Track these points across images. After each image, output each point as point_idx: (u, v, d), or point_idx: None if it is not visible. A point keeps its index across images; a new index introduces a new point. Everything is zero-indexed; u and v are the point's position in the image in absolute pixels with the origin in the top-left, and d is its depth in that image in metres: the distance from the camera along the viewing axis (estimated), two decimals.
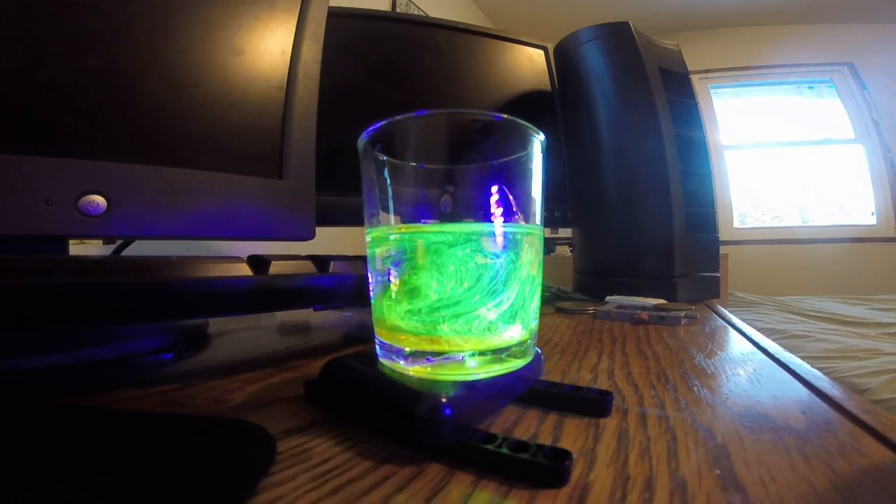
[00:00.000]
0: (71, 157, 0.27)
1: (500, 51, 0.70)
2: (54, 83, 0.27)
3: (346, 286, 0.33)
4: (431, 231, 0.20)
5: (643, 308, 0.50)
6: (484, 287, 0.19)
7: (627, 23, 0.68)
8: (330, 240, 0.58)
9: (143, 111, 0.29)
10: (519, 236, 0.20)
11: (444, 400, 0.16)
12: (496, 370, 0.19)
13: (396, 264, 0.20)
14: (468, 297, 0.19)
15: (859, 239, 2.37)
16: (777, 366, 0.30)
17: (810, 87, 2.59)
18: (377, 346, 0.21)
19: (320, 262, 0.34)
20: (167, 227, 0.29)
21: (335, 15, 0.48)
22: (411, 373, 0.19)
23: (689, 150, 0.66)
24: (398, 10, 1.60)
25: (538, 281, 0.22)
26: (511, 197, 0.20)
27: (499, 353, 0.20)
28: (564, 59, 0.74)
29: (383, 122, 0.20)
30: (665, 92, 0.66)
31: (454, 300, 0.19)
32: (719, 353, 0.34)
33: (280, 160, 0.35)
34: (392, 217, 0.20)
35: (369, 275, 0.22)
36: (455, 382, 0.18)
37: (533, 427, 0.19)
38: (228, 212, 0.31)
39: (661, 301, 0.56)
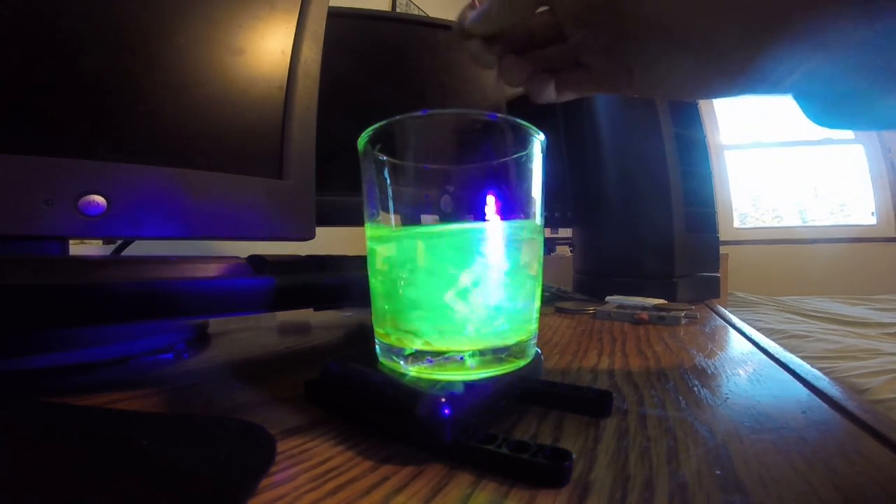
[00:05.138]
0: (71, 157, 0.27)
1: None
2: (54, 83, 0.27)
3: (346, 286, 0.34)
4: (431, 231, 0.20)
5: (643, 308, 0.50)
6: (484, 287, 0.19)
7: None
8: (330, 240, 0.58)
9: (143, 111, 0.30)
10: (519, 236, 0.20)
11: (444, 400, 0.16)
12: (496, 370, 0.19)
13: (396, 264, 0.20)
14: (468, 297, 0.19)
15: (859, 239, 2.37)
16: (777, 366, 0.30)
17: None
18: (377, 346, 0.21)
19: (320, 262, 0.34)
20: (167, 227, 0.29)
21: (335, 15, 0.48)
22: (411, 373, 0.19)
23: (689, 150, 0.66)
24: (398, 10, 1.60)
25: (538, 281, 0.22)
26: (511, 197, 0.20)
27: (499, 353, 0.20)
28: None
29: (383, 122, 0.20)
30: None
31: (454, 300, 0.19)
32: (719, 353, 0.34)
33: (280, 160, 0.35)
34: (392, 217, 0.20)
35: (369, 275, 0.22)
36: (455, 382, 0.18)
37: (533, 427, 0.19)
38: (228, 212, 0.31)
39: (661, 301, 0.56)
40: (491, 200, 0.19)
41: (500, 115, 0.20)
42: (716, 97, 0.25)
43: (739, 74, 0.22)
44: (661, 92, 0.26)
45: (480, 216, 0.19)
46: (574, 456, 0.15)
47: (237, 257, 0.30)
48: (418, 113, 0.19)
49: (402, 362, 0.20)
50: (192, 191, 0.30)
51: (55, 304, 0.22)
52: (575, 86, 0.28)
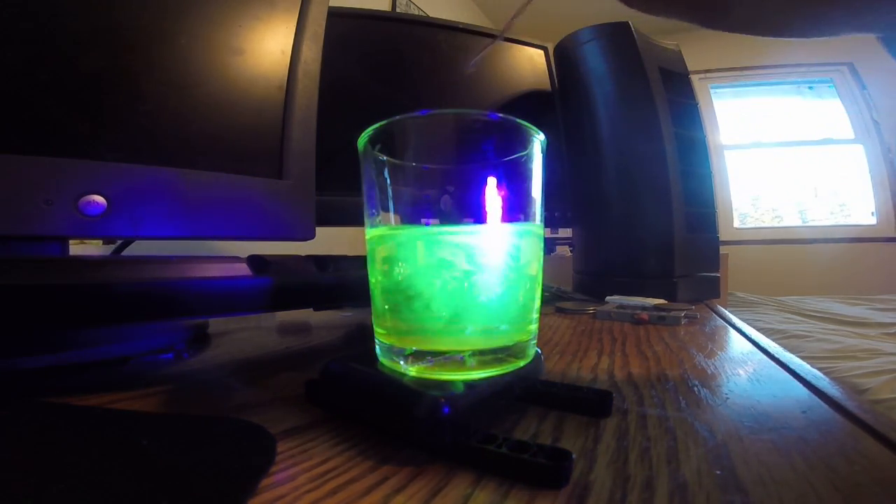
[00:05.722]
0: (71, 157, 0.27)
1: (499, 51, 0.70)
2: (54, 83, 0.27)
3: (346, 286, 0.34)
4: (431, 231, 0.20)
5: (643, 308, 0.50)
6: (484, 287, 0.19)
7: (627, 23, 0.68)
8: (330, 240, 0.58)
9: (143, 111, 0.29)
10: (519, 236, 0.20)
11: (443, 400, 0.16)
12: (496, 370, 0.19)
13: (396, 264, 0.20)
14: (468, 297, 0.19)
15: (859, 239, 2.37)
16: (777, 366, 0.30)
17: (810, 88, 2.58)
18: (377, 346, 0.21)
19: (320, 262, 0.34)
20: (167, 227, 0.29)
21: (335, 15, 0.48)
22: (411, 373, 0.19)
23: (689, 150, 0.66)
24: (398, 10, 1.60)
25: (538, 281, 0.22)
26: (511, 197, 0.20)
27: (499, 353, 0.20)
28: (564, 59, 0.74)
29: (383, 122, 0.20)
30: (665, 92, 0.66)
31: (454, 300, 0.19)
32: (719, 353, 0.34)
33: (280, 160, 0.35)
34: (392, 217, 0.20)
35: (369, 275, 0.22)
36: (455, 382, 0.18)
37: (533, 427, 0.19)
38: (228, 212, 0.31)
39: (661, 301, 0.56)
40: (491, 200, 0.19)
41: (500, 115, 0.20)
42: (809, 35, 0.23)
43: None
44: (757, 28, 0.23)
45: (480, 216, 0.19)
46: (574, 456, 0.15)
47: (237, 257, 0.30)
48: (418, 113, 0.19)
49: (402, 362, 0.20)
50: (192, 191, 0.30)
51: (55, 304, 0.22)
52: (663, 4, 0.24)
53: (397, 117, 0.20)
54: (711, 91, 2.65)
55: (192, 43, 0.31)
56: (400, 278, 0.20)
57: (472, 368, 0.19)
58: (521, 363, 0.21)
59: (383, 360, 0.21)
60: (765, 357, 0.32)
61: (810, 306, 1.58)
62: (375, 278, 0.21)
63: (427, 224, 0.20)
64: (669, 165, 0.63)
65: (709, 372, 0.28)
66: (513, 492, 0.14)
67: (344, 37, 0.58)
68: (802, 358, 0.31)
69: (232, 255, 0.30)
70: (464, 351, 0.19)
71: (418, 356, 0.19)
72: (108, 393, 0.24)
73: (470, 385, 0.18)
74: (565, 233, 0.84)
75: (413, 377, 0.19)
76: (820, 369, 0.28)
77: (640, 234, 0.65)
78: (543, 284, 0.23)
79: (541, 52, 0.74)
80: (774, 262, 2.42)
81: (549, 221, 0.70)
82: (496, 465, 0.15)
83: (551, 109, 0.73)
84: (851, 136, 2.46)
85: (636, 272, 0.65)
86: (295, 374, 0.28)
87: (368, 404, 0.19)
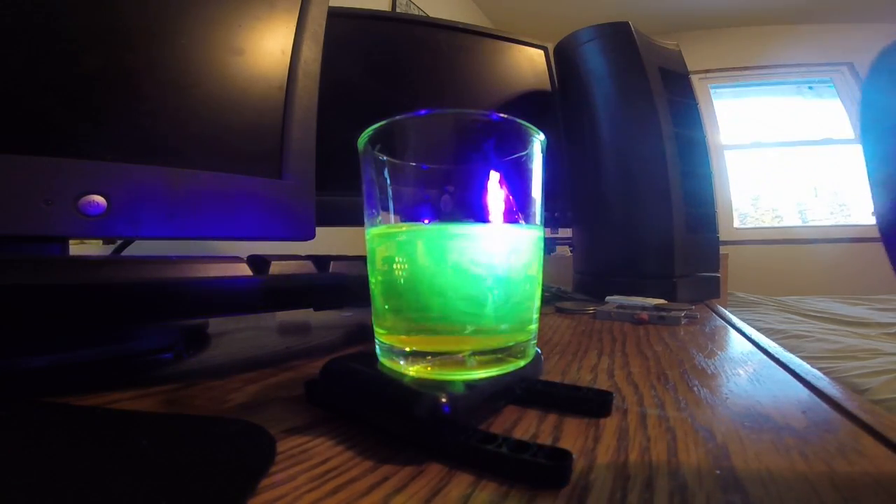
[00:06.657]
0: (71, 157, 0.27)
1: (500, 51, 0.70)
2: (54, 83, 0.27)
3: (346, 286, 0.33)
4: (431, 231, 0.20)
5: (643, 308, 0.50)
6: (484, 287, 0.19)
7: (627, 23, 0.68)
8: (330, 240, 0.58)
9: (143, 111, 0.29)
10: (519, 236, 0.20)
11: (443, 400, 0.16)
12: (496, 370, 0.19)
13: (396, 264, 0.20)
14: (468, 297, 0.19)
15: (859, 239, 2.37)
16: (777, 366, 0.30)
17: (810, 88, 2.58)
18: (377, 346, 0.21)
19: (320, 262, 0.34)
20: (167, 228, 0.29)
21: (335, 15, 0.48)
22: (411, 373, 0.19)
23: (689, 150, 0.66)
24: (398, 10, 1.60)
25: (538, 281, 0.22)
26: (511, 197, 0.20)
27: (499, 353, 0.20)
28: (564, 59, 0.74)
29: (383, 122, 0.20)
30: (665, 92, 0.66)
31: (454, 300, 0.19)
32: (719, 353, 0.34)
33: (280, 160, 0.35)
34: (392, 217, 0.20)
35: (369, 275, 0.22)
36: (455, 382, 0.18)
37: (533, 427, 0.19)
38: (228, 212, 0.31)
39: (661, 301, 0.56)
40: (491, 200, 0.19)
41: (500, 115, 0.20)
42: None
43: None
44: None
45: (480, 216, 0.19)
46: (574, 456, 0.15)
47: (237, 257, 0.30)
48: (418, 113, 0.19)
49: (402, 362, 0.20)
50: (192, 191, 0.30)
51: (55, 304, 0.22)
52: None
53: (397, 117, 0.20)
54: (711, 91, 2.65)
55: (192, 43, 0.31)
56: (400, 278, 0.20)
57: (472, 368, 0.19)
58: (521, 363, 0.21)
59: (383, 360, 0.21)
60: (765, 357, 0.32)
61: (810, 306, 1.58)
62: (375, 278, 0.21)
63: (427, 224, 0.20)
64: (669, 165, 0.63)
65: (709, 372, 0.28)
66: (513, 492, 0.14)
67: (344, 37, 0.58)
68: (802, 358, 0.31)
69: (232, 255, 0.30)
70: (464, 351, 0.19)
71: (418, 356, 0.19)
72: (108, 393, 0.24)
73: (470, 385, 0.18)
74: (565, 233, 0.84)
75: (413, 377, 0.19)
76: (820, 369, 0.28)
77: (640, 234, 0.65)
78: (543, 284, 0.23)
79: (541, 52, 0.74)
80: (774, 262, 2.42)
81: (549, 221, 0.70)
82: (496, 465, 0.15)
83: (551, 109, 0.73)
84: (851, 135, 2.46)
85: (636, 272, 0.65)
86: (295, 374, 0.28)
87: (368, 404, 0.19)
